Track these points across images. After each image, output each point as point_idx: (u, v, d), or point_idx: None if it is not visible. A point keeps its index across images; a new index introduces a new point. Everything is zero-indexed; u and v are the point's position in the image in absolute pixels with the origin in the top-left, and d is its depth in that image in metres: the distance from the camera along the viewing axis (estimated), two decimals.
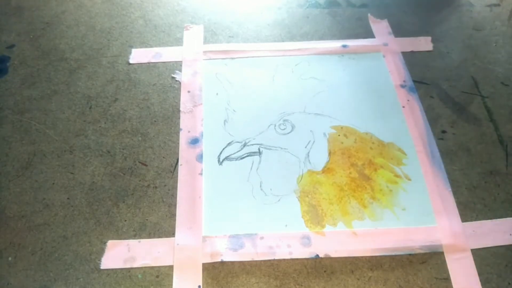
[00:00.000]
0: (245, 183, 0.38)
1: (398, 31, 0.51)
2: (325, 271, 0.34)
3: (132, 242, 0.35)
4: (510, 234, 0.36)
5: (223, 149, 0.40)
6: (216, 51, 0.48)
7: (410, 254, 0.35)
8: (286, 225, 0.36)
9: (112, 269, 0.34)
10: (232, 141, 0.41)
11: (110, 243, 0.35)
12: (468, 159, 0.40)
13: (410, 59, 0.48)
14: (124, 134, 0.42)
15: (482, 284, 0.33)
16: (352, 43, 0.49)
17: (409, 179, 0.39)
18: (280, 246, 0.35)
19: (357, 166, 0.39)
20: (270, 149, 0.40)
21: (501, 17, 0.53)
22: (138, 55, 0.48)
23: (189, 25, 0.51)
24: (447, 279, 0.34)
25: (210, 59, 0.47)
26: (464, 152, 0.40)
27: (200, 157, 0.40)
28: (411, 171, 0.39)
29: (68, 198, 0.38)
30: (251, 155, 0.40)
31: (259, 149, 0.40)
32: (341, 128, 0.42)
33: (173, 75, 0.46)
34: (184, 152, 0.40)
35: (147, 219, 0.37)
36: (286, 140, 0.41)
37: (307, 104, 0.43)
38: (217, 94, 0.44)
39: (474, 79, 0.46)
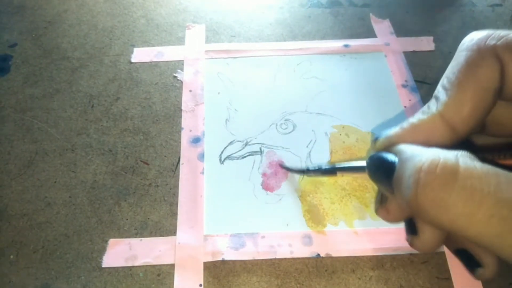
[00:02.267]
0: (246, 182, 0.38)
1: (400, 31, 0.51)
2: (326, 271, 0.34)
3: (134, 240, 0.35)
4: None
5: (225, 148, 0.40)
6: (218, 50, 0.48)
7: (411, 254, 0.35)
8: (287, 224, 0.36)
9: (114, 268, 0.34)
10: (234, 140, 0.41)
11: (111, 241, 0.35)
12: None
13: (412, 59, 0.48)
14: (125, 133, 0.42)
15: (483, 284, 0.33)
16: (354, 42, 0.49)
17: None
18: (281, 245, 0.35)
19: None
20: (272, 148, 0.40)
21: (503, 17, 0.53)
22: (140, 54, 0.48)
23: (191, 25, 0.51)
24: (448, 279, 0.34)
25: (212, 58, 0.47)
26: None
27: (201, 156, 0.40)
28: None
29: (70, 197, 0.38)
30: (253, 154, 0.40)
31: (260, 149, 0.40)
32: (343, 127, 0.42)
33: (175, 74, 0.46)
34: (186, 151, 0.40)
35: (148, 218, 0.37)
36: (287, 139, 0.41)
37: (309, 103, 0.43)
38: (218, 93, 0.44)
39: None
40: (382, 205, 0.23)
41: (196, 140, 0.41)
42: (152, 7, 0.53)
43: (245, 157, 0.40)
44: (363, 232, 0.36)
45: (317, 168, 0.33)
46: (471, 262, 0.24)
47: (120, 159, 0.40)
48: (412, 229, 0.23)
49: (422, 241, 0.22)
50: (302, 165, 0.39)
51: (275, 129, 0.41)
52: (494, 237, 0.16)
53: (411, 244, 0.23)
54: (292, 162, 0.39)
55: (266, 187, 0.38)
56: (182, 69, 0.46)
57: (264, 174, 0.39)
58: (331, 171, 0.30)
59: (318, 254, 0.34)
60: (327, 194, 0.37)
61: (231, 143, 0.41)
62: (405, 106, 0.43)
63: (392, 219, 0.23)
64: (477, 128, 0.20)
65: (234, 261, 0.34)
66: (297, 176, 0.38)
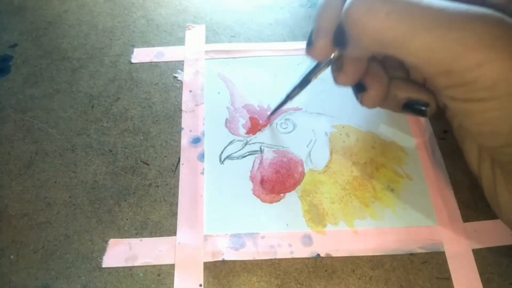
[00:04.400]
0: (246, 182, 0.38)
1: None
2: (326, 270, 0.34)
3: (134, 240, 0.35)
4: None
5: (225, 148, 0.40)
6: (218, 50, 0.48)
7: (411, 254, 0.35)
8: (287, 225, 0.36)
9: (114, 268, 0.34)
10: (234, 140, 0.41)
11: (111, 241, 0.35)
12: None
13: None
14: (126, 133, 0.42)
15: (483, 284, 0.33)
16: None
17: (411, 179, 0.39)
18: (281, 246, 0.35)
19: (359, 165, 0.39)
20: (272, 148, 0.40)
21: None
22: (140, 55, 0.48)
23: (191, 25, 0.51)
24: (448, 279, 0.34)
25: (212, 58, 0.47)
26: None
27: (201, 156, 0.40)
28: (412, 171, 0.39)
29: (70, 197, 0.38)
30: (253, 154, 0.40)
31: (260, 148, 0.40)
32: (343, 127, 0.42)
33: (175, 75, 0.46)
34: (186, 151, 0.40)
35: (148, 218, 0.37)
36: (287, 139, 0.41)
37: (309, 103, 0.43)
38: (218, 93, 0.44)
39: None
40: (339, 71, 0.29)
41: (196, 140, 0.41)
42: (152, 8, 0.53)
43: (245, 156, 0.40)
44: (363, 232, 0.36)
45: (292, 89, 0.36)
46: (359, 89, 0.30)
47: (120, 159, 0.40)
48: (361, 87, 0.30)
49: (370, 95, 0.29)
50: (303, 164, 0.39)
51: (275, 129, 0.42)
52: (402, 33, 0.20)
53: (361, 102, 0.31)
54: (293, 162, 0.39)
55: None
56: (182, 70, 0.46)
57: (264, 174, 0.39)
58: (305, 81, 0.34)
59: (318, 254, 0.34)
60: (327, 194, 0.37)
61: (231, 142, 0.41)
62: None
63: (351, 80, 0.29)
64: None
65: (234, 261, 0.34)
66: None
